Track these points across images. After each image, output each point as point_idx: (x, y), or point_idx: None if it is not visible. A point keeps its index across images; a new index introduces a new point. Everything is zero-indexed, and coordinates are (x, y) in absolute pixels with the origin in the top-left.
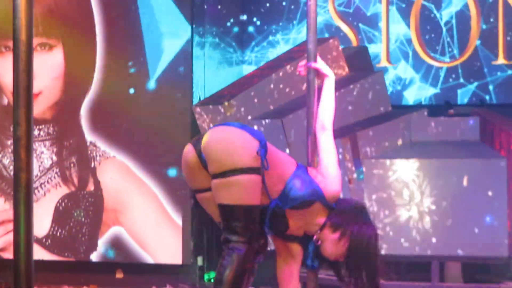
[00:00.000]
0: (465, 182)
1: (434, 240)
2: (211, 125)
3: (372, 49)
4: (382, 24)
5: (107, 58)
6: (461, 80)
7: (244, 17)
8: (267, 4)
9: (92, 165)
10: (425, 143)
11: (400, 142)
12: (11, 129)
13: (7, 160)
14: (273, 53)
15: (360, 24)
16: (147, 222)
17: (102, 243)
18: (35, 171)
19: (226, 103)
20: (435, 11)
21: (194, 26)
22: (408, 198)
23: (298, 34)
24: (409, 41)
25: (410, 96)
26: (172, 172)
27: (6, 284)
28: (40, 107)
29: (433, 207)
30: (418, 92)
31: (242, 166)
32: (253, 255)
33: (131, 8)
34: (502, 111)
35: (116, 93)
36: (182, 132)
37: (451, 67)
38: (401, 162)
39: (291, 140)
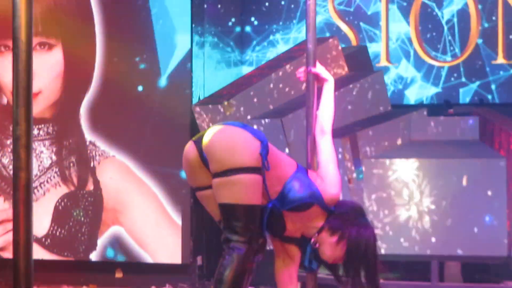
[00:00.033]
0: (464, 182)
1: (433, 239)
2: (211, 125)
3: (373, 48)
4: (382, 23)
5: (107, 57)
6: (463, 79)
7: (244, 16)
8: (267, 4)
9: (92, 165)
10: (424, 143)
11: (399, 141)
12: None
13: (7, 160)
14: (272, 53)
15: (361, 23)
16: (147, 221)
17: (101, 242)
18: (35, 170)
19: (225, 103)
20: (436, 10)
21: (193, 25)
22: (408, 197)
23: (299, 33)
24: (410, 40)
25: (412, 95)
26: (181, 174)
27: (6, 283)
28: (39, 107)
29: (433, 207)
30: (419, 91)
31: (243, 166)
32: (253, 254)
33: (139, 3)
34: (505, 111)
35: (115, 93)
36: (182, 131)
37: (452, 66)
38: (400, 161)
39: (290, 139)
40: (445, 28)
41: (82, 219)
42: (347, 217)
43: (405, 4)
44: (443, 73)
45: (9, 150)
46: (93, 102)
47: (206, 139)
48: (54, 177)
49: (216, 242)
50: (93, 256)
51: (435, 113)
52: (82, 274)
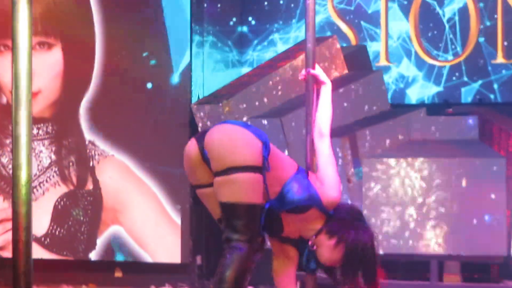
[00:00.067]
0: (464, 183)
1: (433, 239)
2: (210, 124)
3: (375, 47)
4: (381, 23)
5: (106, 56)
6: (465, 79)
7: (244, 16)
8: (266, 3)
9: (91, 164)
10: (424, 142)
11: (399, 141)
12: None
13: (6, 159)
14: (272, 52)
15: (362, 22)
16: (146, 221)
17: (101, 242)
18: (34, 170)
19: (224, 102)
20: (437, 8)
21: (192, 25)
22: (407, 197)
23: (300, 32)
24: (411, 39)
25: (413, 95)
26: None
27: (5, 283)
28: (39, 106)
29: (432, 206)
30: (421, 90)
31: (244, 164)
32: (253, 254)
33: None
34: (507, 110)
35: (115, 92)
36: (181, 131)
37: (454, 65)
38: (400, 161)
39: (290, 139)
40: (447, 26)
41: (82, 218)
42: (346, 221)
43: (405, 2)
44: (445, 72)
45: (9, 149)
46: (92, 102)
47: (208, 137)
48: (53, 176)
49: (215, 241)
50: (93, 256)
51: (434, 112)
52: (81, 274)
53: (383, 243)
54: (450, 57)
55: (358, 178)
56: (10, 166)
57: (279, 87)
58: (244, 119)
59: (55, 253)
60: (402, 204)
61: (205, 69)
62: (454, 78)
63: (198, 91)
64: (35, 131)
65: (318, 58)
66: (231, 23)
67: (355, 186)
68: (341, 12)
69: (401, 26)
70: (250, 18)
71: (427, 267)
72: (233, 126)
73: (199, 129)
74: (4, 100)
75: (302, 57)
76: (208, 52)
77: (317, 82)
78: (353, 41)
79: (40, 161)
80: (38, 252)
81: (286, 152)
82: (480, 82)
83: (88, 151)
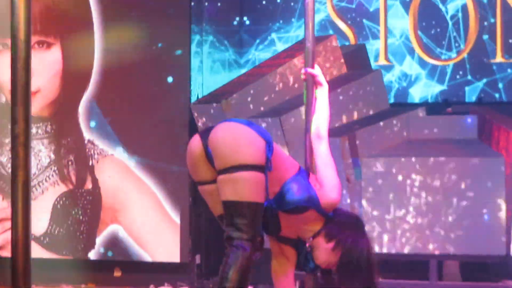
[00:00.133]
0: (463, 183)
1: (432, 238)
2: (209, 124)
3: (377, 45)
4: (381, 22)
5: (106, 56)
6: (469, 77)
7: (243, 15)
8: (266, 3)
9: (90, 163)
10: (423, 142)
11: (398, 140)
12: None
13: (5, 158)
14: (272, 52)
15: (364, 20)
16: (145, 220)
17: (100, 241)
18: (33, 169)
19: (224, 102)
20: (440, 5)
21: (192, 24)
22: (406, 196)
23: (300, 32)
24: (418, 35)
25: (416, 94)
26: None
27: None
28: (38, 105)
29: (431, 206)
30: (424, 89)
31: (248, 163)
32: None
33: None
34: (511, 109)
35: (114, 92)
36: (181, 130)
37: (458, 64)
38: (399, 160)
39: (289, 139)
40: (450, 23)
41: (81, 217)
42: (345, 226)
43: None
44: (448, 70)
45: (8, 148)
46: (91, 101)
47: (212, 135)
48: (52, 175)
49: (215, 240)
50: (92, 255)
51: (434, 112)
52: (80, 273)
53: (382, 243)
54: (453, 55)
55: (357, 177)
56: (9, 165)
57: (279, 87)
58: (244, 118)
59: (54, 252)
60: (401, 203)
61: (204, 68)
62: (458, 76)
63: (198, 90)
64: (34, 130)
65: (317, 57)
66: (231, 22)
67: (354, 186)
68: (342, 10)
69: (404, 23)
70: (250, 18)
71: (427, 267)
72: (238, 124)
73: (199, 128)
74: (3, 99)
75: (301, 56)
76: (207, 52)
77: (315, 82)
78: (352, 41)
79: (39, 160)
80: (37, 252)
81: (286, 152)
82: (484, 80)
83: (87, 150)
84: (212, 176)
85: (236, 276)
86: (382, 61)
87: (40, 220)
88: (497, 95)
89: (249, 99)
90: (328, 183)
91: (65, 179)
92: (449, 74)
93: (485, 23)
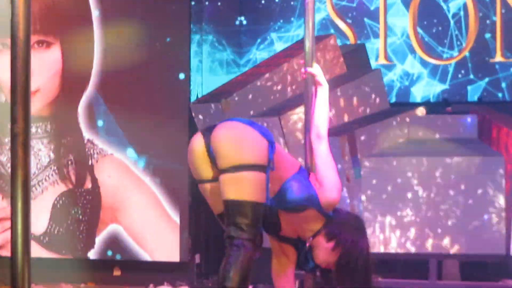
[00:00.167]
0: (462, 182)
1: (431, 238)
2: (208, 123)
3: (378, 43)
4: (381, 21)
5: (105, 55)
6: (471, 76)
7: (243, 15)
8: (266, 2)
9: (90, 163)
10: (423, 141)
11: (398, 140)
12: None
13: (5, 158)
14: (272, 51)
15: (365, 19)
16: (145, 219)
17: (99, 240)
18: (33, 168)
19: (223, 101)
20: (442, 3)
21: (192, 23)
22: (406, 196)
23: (301, 31)
24: (417, 34)
25: (418, 93)
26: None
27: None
28: (37, 105)
29: (431, 205)
30: (426, 88)
31: (251, 163)
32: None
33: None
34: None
35: (113, 91)
36: (180, 130)
37: (460, 63)
38: (399, 159)
39: (288, 138)
40: (451, 22)
41: (80, 217)
42: (346, 226)
43: None
44: (450, 69)
45: (7, 148)
46: (91, 100)
47: (214, 134)
48: (52, 175)
49: (215, 240)
50: (91, 254)
51: (433, 111)
52: (80, 272)
53: (382, 242)
54: (455, 54)
55: (356, 177)
56: (9, 165)
57: (278, 86)
58: (243, 117)
59: (54, 251)
60: (401, 202)
61: (204, 68)
62: (460, 75)
63: (197, 90)
64: (33, 130)
65: (317, 57)
66: (231, 22)
67: (354, 185)
68: (343, 9)
69: (405, 22)
70: (250, 17)
71: (426, 266)
72: (241, 124)
73: (198, 128)
74: (3, 98)
75: (301, 55)
76: (207, 51)
77: (314, 82)
78: (352, 40)
79: (39, 160)
80: (37, 251)
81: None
82: (486, 79)
83: (87, 149)
84: (213, 174)
85: (237, 276)
86: (382, 61)
87: (40, 219)
88: (500, 95)
89: (248, 98)
90: (328, 183)
91: (65, 179)
92: (451, 73)
93: (487, 21)
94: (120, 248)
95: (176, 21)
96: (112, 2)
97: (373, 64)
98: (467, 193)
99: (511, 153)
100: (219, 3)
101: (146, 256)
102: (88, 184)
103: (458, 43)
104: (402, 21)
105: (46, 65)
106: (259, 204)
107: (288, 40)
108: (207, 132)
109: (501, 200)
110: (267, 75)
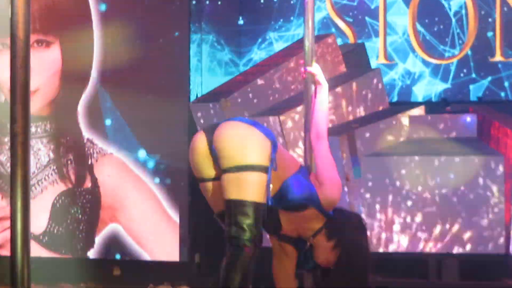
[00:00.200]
0: (462, 181)
1: (431, 237)
2: (208, 123)
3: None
4: (380, 20)
5: (104, 55)
6: (473, 75)
7: (243, 14)
8: (265, 1)
9: (89, 162)
10: (422, 140)
11: (397, 139)
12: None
13: (4, 157)
14: (272, 50)
15: (366, 17)
16: (145, 219)
17: (99, 240)
18: (32, 168)
19: (223, 100)
20: (443, 1)
21: (191, 23)
22: (405, 195)
23: (301, 30)
24: (417, 33)
25: (420, 92)
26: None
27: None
28: (37, 104)
29: (430, 204)
30: (428, 87)
31: (253, 163)
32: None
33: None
34: None
35: (112, 91)
36: (179, 129)
37: (462, 62)
38: (398, 159)
39: (288, 137)
40: (453, 20)
41: (80, 216)
42: (346, 225)
43: None
44: (452, 68)
45: (7, 147)
46: (90, 100)
47: (218, 133)
48: (51, 174)
49: (214, 239)
50: (91, 254)
51: (433, 110)
52: (79, 272)
53: (381, 242)
54: (457, 52)
55: (356, 176)
56: (9, 164)
57: (278, 85)
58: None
59: (53, 251)
60: (400, 202)
61: (204, 67)
62: (462, 74)
63: (197, 89)
64: (33, 129)
65: (316, 56)
66: (231, 22)
67: (353, 184)
68: (344, 8)
69: (406, 20)
70: (250, 17)
71: (426, 266)
72: (244, 124)
73: (198, 127)
74: (2, 98)
75: (300, 55)
76: (207, 51)
77: (314, 81)
78: (352, 39)
79: (39, 159)
80: (36, 250)
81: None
82: (489, 78)
83: (86, 149)
84: (215, 173)
85: (237, 276)
86: (381, 60)
87: (39, 219)
88: (502, 94)
89: (248, 98)
90: (328, 182)
91: (64, 178)
92: (453, 72)
93: (489, 20)
94: (120, 247)
95: (176, 21)
96: (112, 1)
97: (374, 63)
98: (467, 192)
99: (511, 153)
100: (219, 3)
101: (145, 256)
102: (88, 184)
103: (460, 41)
104: (404, 20)
105: (45, 64)
106: (260, 204)
107: (288, 39)
108: (210, 130)
109: (500, 200)
110: (266, 74)
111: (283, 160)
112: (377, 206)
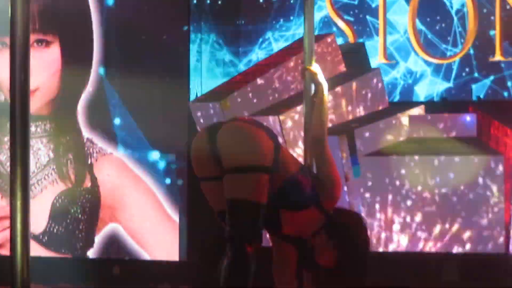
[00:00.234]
0: (462, 181)
1: (431, 237)
2: (208, 122)
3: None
4: (380, 19)
5: (104, 54)
6: (475, 75)
7: (243, 14)
8: (265, 1)
9: (89, 162)
10: (422, 140)
11: (397, 138)
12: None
13: (4, 157)
14: (271, 50)
15: (367, 16)
16: (144, 218)
17: (99, 240)
18: (32, 167)
19: (222, 100)
20: None
21: (191, 22)
22: (405, 194)
23: (301, 30)
24: (419, 32)
25: (421, 91)
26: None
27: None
28: (37, 104)
29: (430, 204)
30: (430, 87)
31: (257, 165)
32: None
33: None
34: None
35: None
36: (179, 129)
37: (464, 61)
38: (398, 158)
39: (288, 137)
40: (455, 18)
41: (80, 216)
42: (346, 225)
43: None
44: (454, 67)
45: (7, 147)
46: (90, 99)
47: (222, 133)
48: (51, 174)
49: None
50: (91, 253)
51: (432, 110)
52: (79, 272)
53: (381, 242)
54: (459, 51)
55: (356, 175)
56: (8, 164)
57: (277, 85)
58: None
59: (53, 250)
60: (400, 201)
61: (203, 67)
62: (464, 74)
63: (196, 89)
64: (33, 129)
65: (316, 56)
66: (231, 21)
67: (353, 184)
68: (345, 7)
69: (407, 19)
70: (249, 16)
71: (426, 265)
72: (248, 124)
73: (197, 127)
74: (2, 97)
75: (300, 54)
76: (207, 50)
77: (313, 81)
78: (352, 39)
79: (38, 159)
80: (36, 250)
81: None
82: (492, 77)
83: (86, 148)
84: (217, 172)
85: (238, 276)
86: (381, 59)
87: (39, 218)
88: (505, 94)
89: (248, 97)
90: (328, 181)
91: (64, 178)
92: (455, 71)
93: (492, 18)
94: (120, 247)
95: (176, 20)
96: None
97: (375, 62)
98: (467, 191)
99: (511, 152)
100: (219, 2)
101: (145, 255)
102: (88, 183)
103: (462, 40)
104: (405, 18)
105: (45, 64)
106: (261, 205)
107: (288, 39)
108: (213, 130)
109: (500, 199)
110: (266, 74)
111: (284, 159)
112: (377, 206)
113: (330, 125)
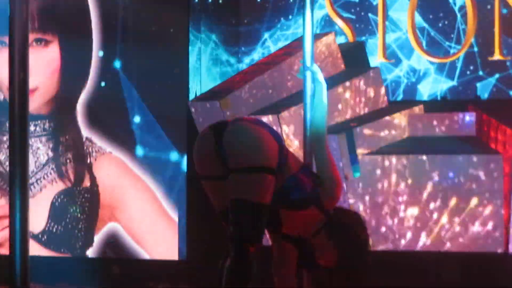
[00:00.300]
0: (461, 180)
1: (430, 237)
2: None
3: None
4: (379, 18)
5: (103, 53)
6: (480, 73)
7: (243, 14)
8: (265, 1)
9: (88, 161)
10: (421, 139)
11: (396, 138)
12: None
13: (3, 156)
14: (271, 49)
15: (369, 14)
16: (143, 218)
17: (98, 239)
18: (31, 167)
19: (222, 99)
20: None
21: (190, 21)
22: (405, 194)
23: (301, 29)
24: (422, 30)
25: (425, 90)
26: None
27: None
28: (36, 103)
29: (430, 203)
30: (433, 85)
31: (263, 166)
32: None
33: None
34: None
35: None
36: (178, 128)
37: (469, 59)
38: (397, 157)
39: (287, 136)
40: (458, 15)
41: (79, 215)
42: (346, 224)
43: None
44: (458, 65)
45: (6, 146)
46: (89, 99)
47: (228, 134)
48: (50, 173)
49: (214, 238)
50: (90, 253)
51: (432, 109)
52: (79, 271)
53: (380, 241)
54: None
55: (355, 175)
56: (7, 163)
57: (277, 84)
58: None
59: (53, 250)
60: (399, 201)
61: (203, 66)
62: (468, 72)
63: (196, 88)
64: (32, 128)
65: (315, 55)
66: (230, 21)
67: (352, 183)
68: (346, 5)
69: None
70: (249, 16)
71: (426, 265)
72: (253, 125)
73: (197, 126)
74: (1, 96)
75: (299, 53)
76: (206, 49)
77: (313, 80)
78: (351, 38)
79: (38, 158)
80: (36, 249)
81: None
82: (497, 76)
83: (85, 148)
84: (221, 172)
85: (238, 276)
86: (380, 59)
87: (38, 218)
88: (511, 92)
89: (247, 96)
90: (328, 181)
91: (63, 177)
92: (459, 70)
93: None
94: (119, 246)
95: (176, 20)
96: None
97: (376, 62)
98: (466, 191)
99: (510, 151)
100: (219, 2)
101: (144, 255)
102: (87, 182)
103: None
104: (406, 16)
105: (44, 63)
106: (265, 206)
107: (288, 38)
108: (217, 129)
109: (499, 198)
110: (266, 73)
111: (287, 160)
112: (376, 205)
113: (329, 124)
